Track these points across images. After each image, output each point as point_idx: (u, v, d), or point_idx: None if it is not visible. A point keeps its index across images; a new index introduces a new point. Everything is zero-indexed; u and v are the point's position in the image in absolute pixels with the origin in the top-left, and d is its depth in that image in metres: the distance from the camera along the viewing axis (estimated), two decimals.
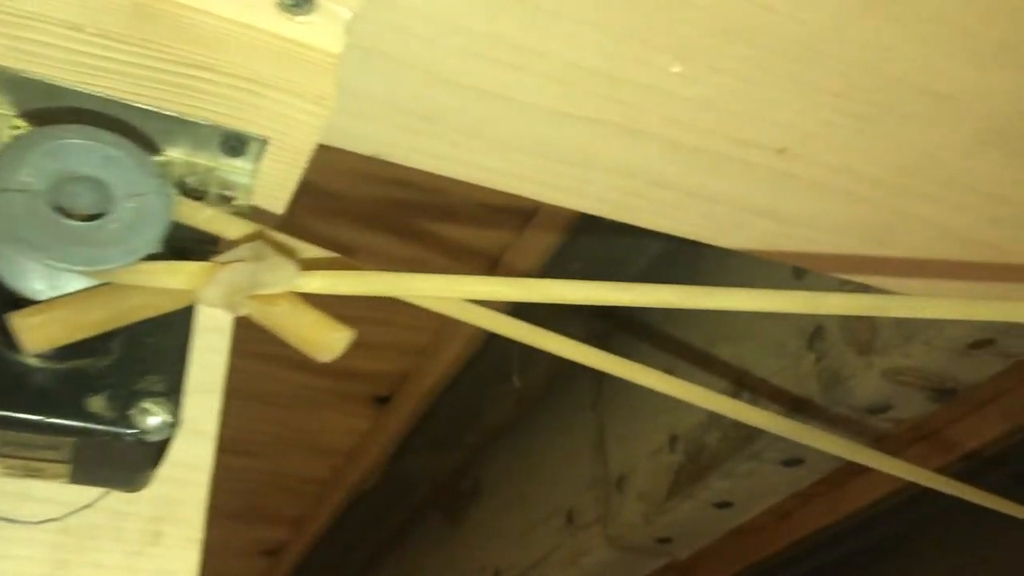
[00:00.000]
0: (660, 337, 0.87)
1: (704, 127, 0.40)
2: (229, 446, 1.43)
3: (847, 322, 0.65)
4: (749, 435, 0.70)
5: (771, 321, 0.73)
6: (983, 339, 0.59)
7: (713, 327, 0.80)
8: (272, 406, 1.31)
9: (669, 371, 0.84)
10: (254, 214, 0.35)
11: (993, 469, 1.33)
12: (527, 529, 1.03)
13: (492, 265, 1.01)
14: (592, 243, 0.92)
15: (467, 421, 1.21)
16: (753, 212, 0.44)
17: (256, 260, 0.25)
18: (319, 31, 0.31)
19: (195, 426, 0.37)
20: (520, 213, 0.93)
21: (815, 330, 0.68)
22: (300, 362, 1.24)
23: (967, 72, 0.38)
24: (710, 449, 0.76)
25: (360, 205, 0.93)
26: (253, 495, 1.53)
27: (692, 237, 0.46)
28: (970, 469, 1.36)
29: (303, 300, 0.27)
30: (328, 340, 0.26)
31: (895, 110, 0.40)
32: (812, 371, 0.67)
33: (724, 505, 0.79)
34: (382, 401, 1.27)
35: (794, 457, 0.73)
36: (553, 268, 0.95)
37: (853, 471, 1.48)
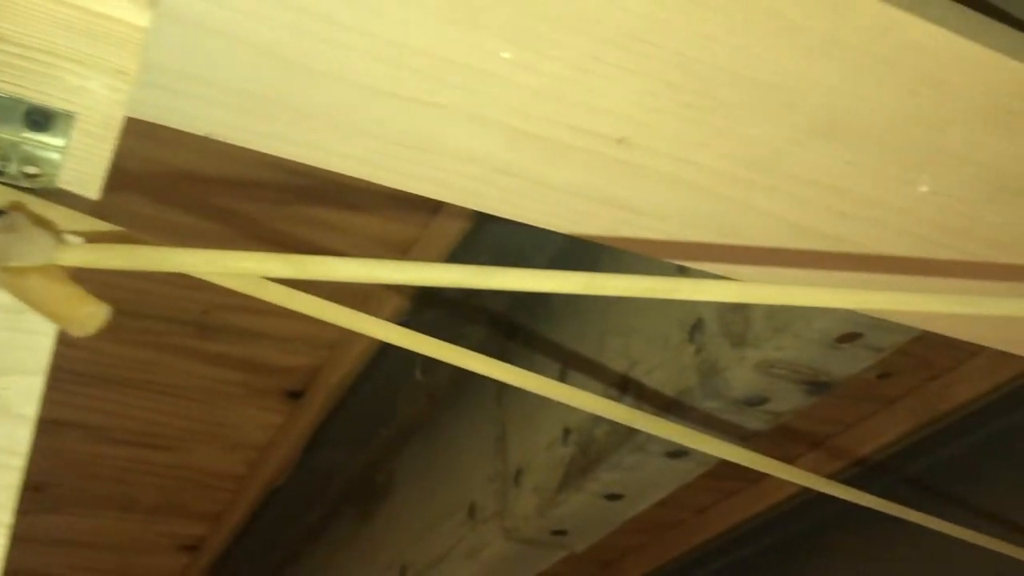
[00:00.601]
0: (559, 327, 0.88)
1: (542, 115, 0.40)
2: (143, 440, 1.41)
3: (724, 315, 0.66)
4: (633, 427, 0.71)
5: (658, 313, 0.73)
6: (851, 333, 0.61)
7: (604, 320, 0.80)
8: (185, 400, 1.29)
9: (565, 363, 0.84)
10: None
11: (887, 473, 1.36)
12: (432, 524, 1.03)
13: (402, 256, 1.00)
14: (499, 233, 0.92)
15: (381, 416, 1.21)
16: (600, 201, 0.44)
17: (8, 231, 0.24)
18: (122, 3, 0.31)
19: (11, 409, 0.36)
20: (427, 204, 0.93)
21: (695, 322, 0.69)
22: (213, 356, 1.23)
23: (794, 63, 0.39)
24: (598, 442, 0.76)
25: (264, 191, 0.92)
26: (169, 490, 1.51)
27: (543, 225, 0.46)
28: (864, 474, 1.39)
29: (62, 274, 0.26)
30: (80, 315, 0.26)
31: (728, 101, 0.40)
32: (692, 363, 0.68)
33: (614, 497, 0.80)
34: (295, 396, 1.26)
35: (678, 449, 0.73)
36: (463, 259, 0.94)
37: None
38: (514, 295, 0.96)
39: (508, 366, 0.49)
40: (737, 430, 0.71)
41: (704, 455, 0.75)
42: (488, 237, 0.91)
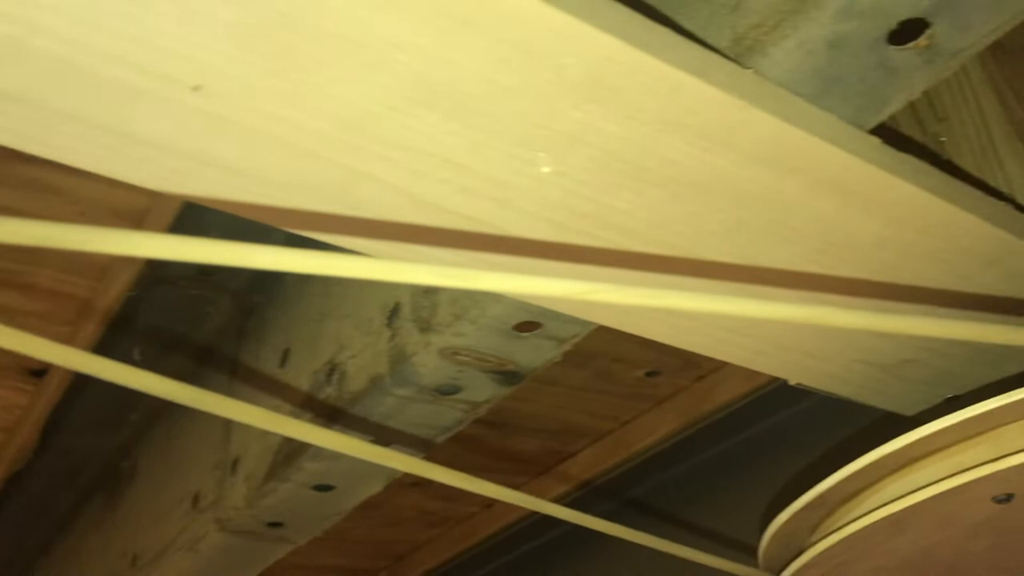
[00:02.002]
0: (288, 308, 0.83)
1: (100, 50, 0.36)
2: None
3: (416, 299, 0.63)
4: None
5: (370, 297, 0.70)
6: (529, 321, 0.59)
7: (326, 302, 0.77)
8: None
9: (288, 347, 0.80)
10: None
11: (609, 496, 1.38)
12: (162, 512, 0.97)
13: (136, 227, 0.94)
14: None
15: (130, 399, 1.13)
16: (190, 158, 0.40)
17: None
18: None
19: None
20: None
21: (394, 307, 0.66)
22: None
23: (369, 16, 0.36)
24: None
25: None
26: None
27: (137, 182, 0.42)
28: (585, 497, 1.41)
29: None
30: None
31: (308, 54, 0.37)
32: (386, 349, 0.65)
33: (324, 488, 0.76)
34: (38, 374, 1.17)
35: (383, 441, 0.70)
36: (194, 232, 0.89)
37: (552, 462, 1.51)
38: (253, 273, 0.91)
39: (178, 384, 0.45)
40: (437, 420, 0.68)
41: (406, 448, 0.72)
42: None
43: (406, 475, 1.54)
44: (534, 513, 1.57)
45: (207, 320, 0.99)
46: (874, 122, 0.47)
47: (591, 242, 0.47)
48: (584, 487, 1.47)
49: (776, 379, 0.66)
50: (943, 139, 0.66)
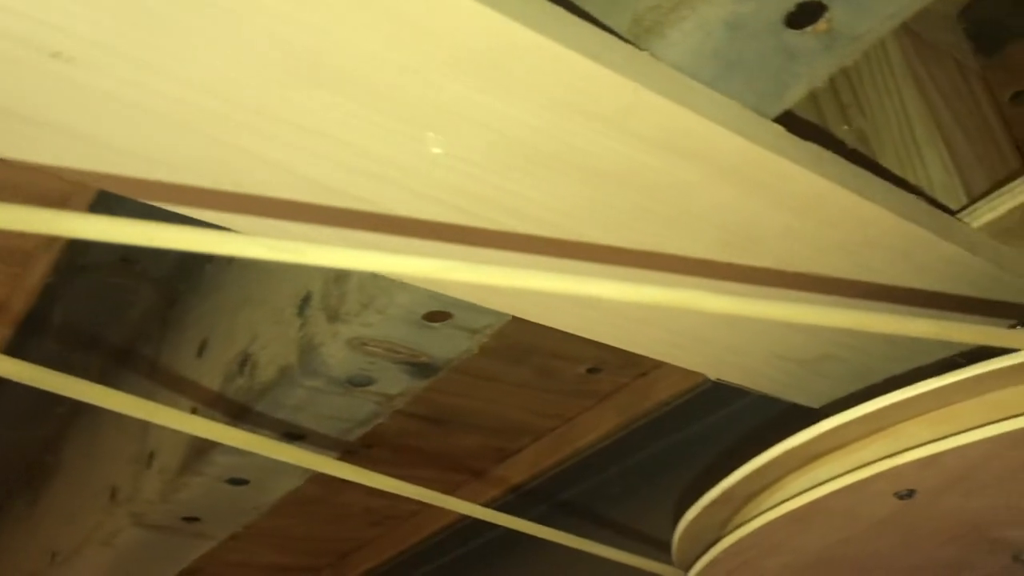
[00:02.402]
0: (209, 296, 0.81)
1: None
2: None
3: (327, 287, 0.61)
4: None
5: (286, 284, 0.68)
6: (438, 311, 0.57)
7: (243, 290, 0.75)
8: None
9: (206, 336, 0.78)
10: None
11: (538, 501, 1.38)
12: (81, 508, 0.94)
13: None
14: None
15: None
16: (54, 130, 0.38)
17: None
18: None
19: None
20: None
21: (306, 295, 0.64)
22: None
23: None
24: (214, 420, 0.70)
25: None
26: None
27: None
28: (514, 502, 1.41)
29: None
30: None
31: (178, 21, 0.35)
32: (296, 339, 0.63)
33: (238, 482, 0.74)
34: None
35: (295, 432, 0.68)
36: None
37: (495, 459, 1.50)
38: (176, 262, 0.89)
39: (90, 385, 0.43)
40: (351, 412, 0.67)
41: (320, 439, 0.70)
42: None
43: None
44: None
45: (130, 310, 0.96)
46: (777, 109, 0.46)
47: (490, 226, 0.45)
48: (524, 486, 1.46)
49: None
50: (846, 130, 0.66)
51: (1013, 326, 0.60)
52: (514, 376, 1.26)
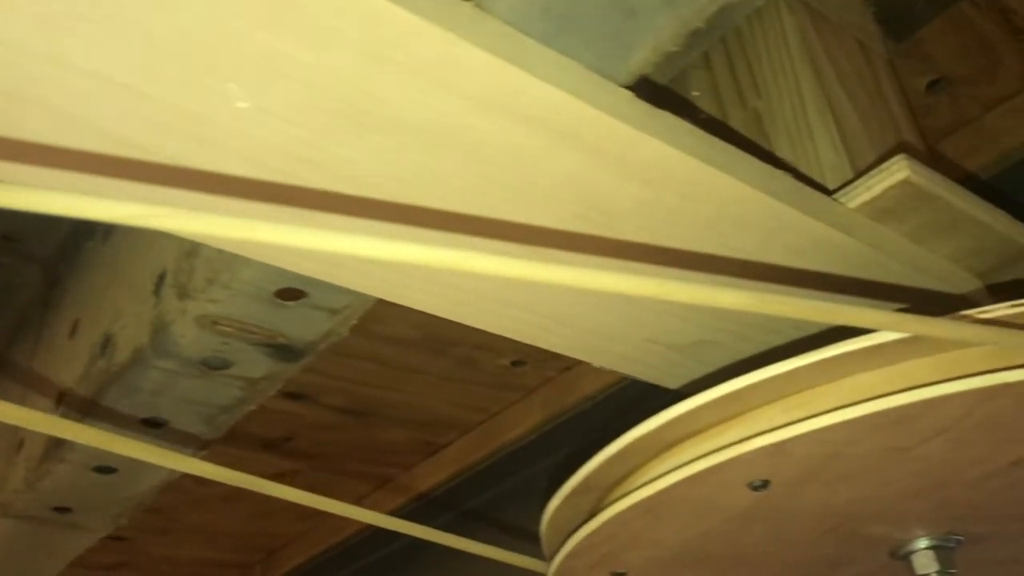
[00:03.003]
0: (85, 277, 0.77)
1: None
2: None
3: (179, 262, 0.58)
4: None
5: (146, 262, 0.65)
6: (290, 288, 0.54)
7: (115, 270, 0.71)
8: None
9: (78, 318, 0.74)
10: None
11: (446, 509, 1.35)
12: None
13: None
14: None
15: None
16: None
17: None
18: None
19: None
20: None
21: (162, 272, 0.60)
22: None
23: None
24: (75, 406, 0.66)
25: None
26: None
27: None
28: (420, 509, 1.38)
29: None
30: None
31: None
32: (150, 318, 0.60)
33: (106, 470, 0.70)
34: None
35: (154, 420, 0.65)
36: None
37: (423, 454, 1.47)
38: (59, 242, 0.85)
39: None
40: (213, 397, 0.63)
41: (186, 427, 0.67)
42: None
43: (269, 466, 1.47)
44: (407, 505, 1.53)
45: (17, 292, 0.92)
46: (624, 73, 0.43)
47: (313, 187, 0.42)
48: (449, 482, 1.43)
49: None
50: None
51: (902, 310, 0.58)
52: (437, 368, 1.23)
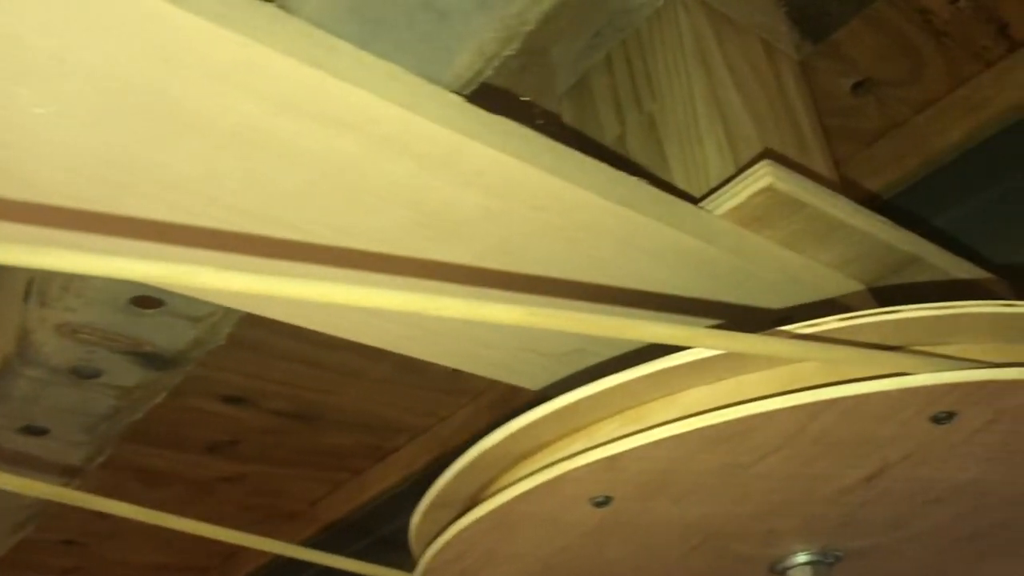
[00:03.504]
0: None
1: None
2: None
3: (43, 270, 0.57)
4: None
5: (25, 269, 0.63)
6: (145, 296, 0.53)
7: (11, 275, 0.69)
8: None
9: None
10: None
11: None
12: None
13: None
14: None
15: None
16: None
17: None
18: None
19: None
20: None
21: (31, 279, 0.59)
22: None
23: None
24: None
25: None
26: None
27: None
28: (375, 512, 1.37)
29: None
30: None
31: None
32: (16, 325, 0.58)
33: None
34: None
35: (33, 427, 0.64)
36: None
37: (373, 458, 1.46)
38: None
39: None
40: (89, 406, 0.62)
41: (67, 436, 0.65)
42: None
43: (214, 470, 1.45)
44: (360, 509, 1.52)
45: None
46: (450, 77, 0.42)
47: (145, 210, 0.41)
48: (400, 485, 1.42)
49: None
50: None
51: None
52: (377, 372, 1.22)
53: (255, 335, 1.06)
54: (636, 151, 0.66)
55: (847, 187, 0.96)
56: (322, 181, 0.42)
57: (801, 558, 0.54)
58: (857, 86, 0.88)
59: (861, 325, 0.39)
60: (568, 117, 0.74)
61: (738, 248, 0.51)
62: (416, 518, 0.52)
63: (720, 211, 0.51)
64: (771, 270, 0.53)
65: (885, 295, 0.58)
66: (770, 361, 0.42)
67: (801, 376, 0.41)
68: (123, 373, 0.59)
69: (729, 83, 0.64)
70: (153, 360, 0.58)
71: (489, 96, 0.44)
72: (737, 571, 0.56)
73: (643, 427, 0.41)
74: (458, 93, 0.42)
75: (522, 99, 0.61)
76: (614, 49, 0.71)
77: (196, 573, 1.81)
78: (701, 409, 0.41)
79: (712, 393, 0.42)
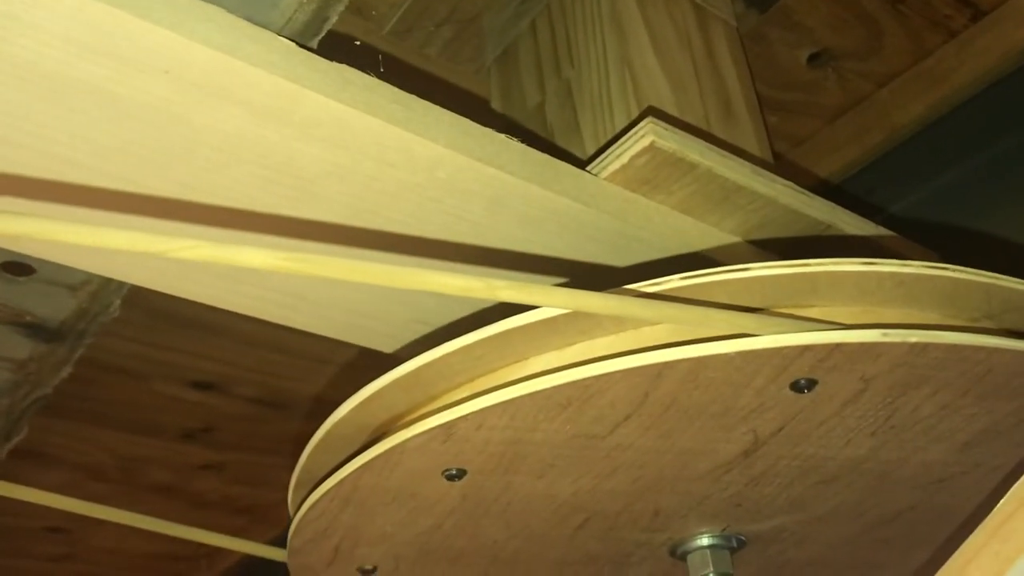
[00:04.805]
0: None
1: None
2: None
3: None
4: None
5: None
6: (16, 263, 0.51)
7: None
8: None
9: None
10: None
11: None
12: None
13: None
14: None
15: None
16: None
17: None
18: None
19: None
20: None
21: None
22: None
23: None
24: None
25: None
26: None
27: None
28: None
29: None
30: None
31: None
32: None
33: None
34: None
35: None
36: None
37: None
38: None
39: None
40: None
41: None
42: None
43: (193, 457, 1.44)
44: None
45: None
46: (277, 18, 0.39)
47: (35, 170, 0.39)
48: None
49: None
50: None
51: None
52: (344, 357, 1.20)
53: (217, 318, 1.04)
54: (553, 119, 0.64)
55: (812, 165, 0.92)
56: (152, 131, 0.40)
57: (703, 541, 0.51)
58: (813, 57, 0.84)
59: (708, 283, 0.36)
60: (495, 85, 0.72)
61: (622, 212, 0.48)
62: (290, 496, 0.50)
63: (604, 174, 0.48)
64: (663, 236, 0.50)
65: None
66: (621, 324, 0.39)
67: (650, 339, 0.38)
68: (11, 346, 0.58)
69: (648, 48, 0.61)
70: (38, 331, 0.57)
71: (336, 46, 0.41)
72: (635, 554, 0.53)
73: (477, 392, 0.38)
74: (295, 40, 0.39)
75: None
76: (539, 15, 0.69)
77: (186, 562, 1.81)
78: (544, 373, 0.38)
79: (560, 358, 0.40)
